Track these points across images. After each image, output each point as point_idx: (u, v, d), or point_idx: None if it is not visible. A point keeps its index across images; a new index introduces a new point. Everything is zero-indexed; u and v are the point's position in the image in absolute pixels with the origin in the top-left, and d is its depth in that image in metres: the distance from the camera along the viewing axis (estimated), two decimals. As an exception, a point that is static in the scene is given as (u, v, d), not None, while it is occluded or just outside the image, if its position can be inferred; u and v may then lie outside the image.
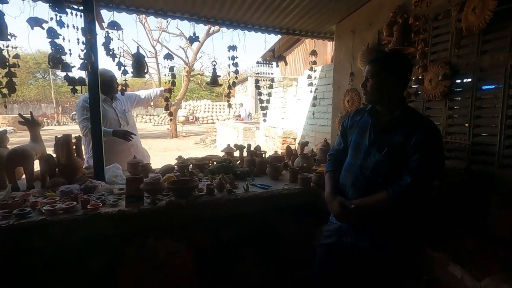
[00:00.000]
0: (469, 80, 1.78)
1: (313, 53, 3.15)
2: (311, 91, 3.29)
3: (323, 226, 1.67)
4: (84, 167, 2.38)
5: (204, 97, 28.95)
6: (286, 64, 3.08)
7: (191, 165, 2.51)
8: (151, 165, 2.51)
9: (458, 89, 1.87)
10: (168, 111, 2.61)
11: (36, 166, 2.09)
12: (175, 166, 2.46)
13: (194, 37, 2.75)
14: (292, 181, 2.26)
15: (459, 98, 1.86)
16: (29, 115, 2.17)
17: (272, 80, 3.33)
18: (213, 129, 12.52)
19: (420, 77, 1.93)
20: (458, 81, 1.85)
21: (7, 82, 1.69)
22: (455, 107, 1.90)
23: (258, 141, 6.12)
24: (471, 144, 1.75)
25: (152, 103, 3.30)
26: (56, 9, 1.39)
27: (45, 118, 23.65)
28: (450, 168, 1.76)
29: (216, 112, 24.37)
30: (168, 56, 2.67)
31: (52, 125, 22.78)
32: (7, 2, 1.28)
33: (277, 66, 3.08)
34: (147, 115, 26.95)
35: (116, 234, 1.66)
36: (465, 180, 1.68)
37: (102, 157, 2.18)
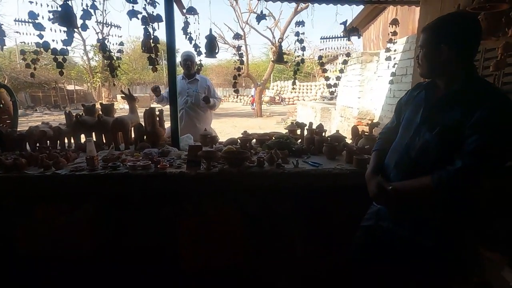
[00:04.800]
0: None
1: (394, 22, 2.79)
2: (388, 67, 2.95)
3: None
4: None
5: (292, 77, 28.79)
6: (359, 37, 2.83)
7: (254, 140, 2.69)
8: (217, 137, 2.79)
9: None
10: (235, 89, 2.82)
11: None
12: (238, 140, 2.67)
13: (261, 15, 2.82)
14: (347, 161, 2.16)
15: None
16: (127, 91, 2.71)
17: (348, 54, 3.11)
18: (295, 109, 12.54)
19: (520, 42, 1.52)
20: None
21: (108, 64, 2.15)
22: None
23: (334, 121, 5.85)
24: None
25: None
26: None
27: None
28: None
29: (302, 92, 24.05)
30: (237, 36, 2.84)
31: (162, 103, 26.97)
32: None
33: (349, 39, 2.85)
34: (237, 95, 28.76)
35: (178, 191, 1.99)
36: None
37: (177, 127, 2.56)
